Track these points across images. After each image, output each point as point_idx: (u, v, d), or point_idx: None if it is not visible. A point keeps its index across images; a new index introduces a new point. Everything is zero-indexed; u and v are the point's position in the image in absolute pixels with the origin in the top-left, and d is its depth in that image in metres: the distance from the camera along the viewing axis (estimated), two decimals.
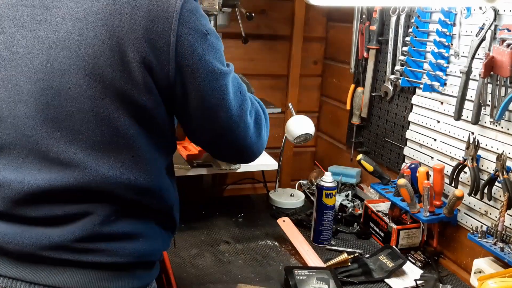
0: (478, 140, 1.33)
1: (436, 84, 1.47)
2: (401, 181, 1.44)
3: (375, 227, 1.61)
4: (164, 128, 0.97)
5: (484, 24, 1.27)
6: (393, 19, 1.65)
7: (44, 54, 0.87)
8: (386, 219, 1.56)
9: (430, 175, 1.45)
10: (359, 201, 1.80)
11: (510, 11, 1.23)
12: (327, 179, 1.55)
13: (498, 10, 1.25)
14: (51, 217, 0.88)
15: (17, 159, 0.89)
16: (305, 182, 2.03)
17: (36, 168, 0.88)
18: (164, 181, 0.99)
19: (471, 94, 1.34)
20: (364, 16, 1.81)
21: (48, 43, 0.87)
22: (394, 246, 1.47)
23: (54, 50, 0.87)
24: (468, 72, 1.32)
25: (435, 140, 1.53)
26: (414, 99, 1.61)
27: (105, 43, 0.86)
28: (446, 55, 1.45)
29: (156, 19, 0.87)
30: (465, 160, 1.36)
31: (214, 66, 0.94)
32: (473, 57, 1.31)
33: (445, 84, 1.46)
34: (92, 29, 0.86)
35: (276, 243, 1.57)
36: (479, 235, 1.29)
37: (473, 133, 1.37)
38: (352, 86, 1.92)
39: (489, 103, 1.27)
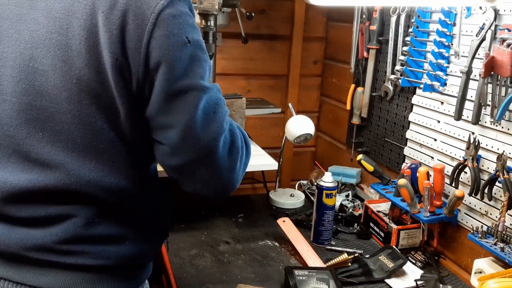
0: (478, 140, 1.33)
1: (436, 84, 1.47)
2: (401, 181, 1.44)
3: (375, 227, 1.61)
4: (144, 134, 0.91)
5: (484, 24, 1.26)
6: (393, 19, 1.65)
7: (27, 54, 0.86)
8: (386, 219, 1.56)
9: (431, 175, 1.45)
10: (359, 201, 1.80)
11: (510, 11, 1.23)
12: (327, 179, 1.54)
13: (498, 10, 1.25)
14: (34, 218, 0.88)
15: (1, 158, 0.89)
16: (305, 182, 2.03)
17: (19, 168, 0.88)
18: (147, 187, 0.97)
19: (472, 94, 1.33)
20: (364, 16, 1.81)
21: (30, 42, 0.86)
22: (394, 246, 1.47)
23: (35, 50, 0.86)
24: (468, 72, 1.32)
25: (435, 140, 1.53)
26: (414, 99, 1.61)
27: (82, 43, 0.83)
28: (446, 55, 1.44)
29: (131, 19, 0.83)
30: (465, 160, 1.36)
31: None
32: (473, 57, 1.30)
33: (445, 84, 1.46)
34: (71, 29, 0.84)
35: (276, 243, 1.57)
36: (480, 235, 1.29)
37: (473, 133, 1.36)
38: (352, 86, 1.92)
39: (489, 103, 1.27)
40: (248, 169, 1.71)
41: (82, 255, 0.88)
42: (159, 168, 0.98)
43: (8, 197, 0.88)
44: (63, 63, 0.84)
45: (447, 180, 1.44)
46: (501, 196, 1.27)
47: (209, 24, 1.62)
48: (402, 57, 1.62)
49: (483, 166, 1.34)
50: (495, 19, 1.25)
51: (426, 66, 1.51)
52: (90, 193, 0.88)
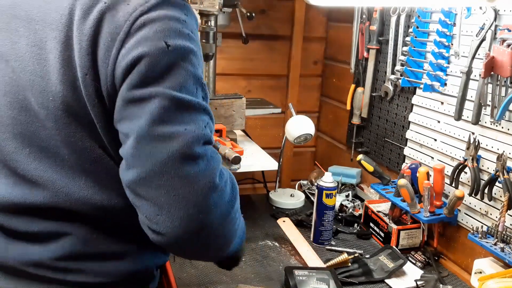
0: (478, 140, 1.33)
1: (436, 84, 1.47)
2: (401, 181, 1.44)
3: (375, 228, 1.61)
4: None
5: (484, 24, 1.26)
6: (393, 19, 1.65)
7: (9, 66, 0.83)
8: (386, 219, 1.56)
9: (431, 175, 1.45)
10: (359, 202, 1.80)
11: (510, 11, 1.23)
12: (327, 179, 1.54)
13: (498, 10, 1.25)
14: (30, 233, 0.85)
15: None
16: (305, 182, 2.03)
17: (10, 182, 0.85)
18: None
19: (472, 94, 1.33)
20: (364, 16, 1.81)
21: (11, 54, 0.82)
22: (394, 247, 1.47)
23: (15, 63, 0.82)
24: (468, 72, 1.32)
25: (435, 140, 1.53)
26: (415, 99, 1.61)
27: (57, 57, 0.78)
28: (446, 55, 1.44)
29: (104, 28, 0.76)
30: (465, 160, 1.36)
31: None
32: (473, 57, 1.30)
33: (445, 84, 1.46)
34: (49, 42, 0.79)
35: (276, 244, 1.57)
36: (480, 236, 1.29)
37: (473, 133, 1.36)
38: (352, 86, 1.92)
39: (489, 103, 1.27)
40: (248, 169, 1.72)
41: (80, 273, 0.86)
42: None
43: (1, 209, 0.86)
44: (40, 79, 0.80)
45: (447, 180, 1.44)
46: (501, 196, 1.27)
47: (209, 24, 1.62)
48: (402, 57, 1.62)
49: (483, 166, 1.34)
50: (495, 19, 1.25)
51: (426, 66, 1.51)
52: (81, 211, 0.84)
